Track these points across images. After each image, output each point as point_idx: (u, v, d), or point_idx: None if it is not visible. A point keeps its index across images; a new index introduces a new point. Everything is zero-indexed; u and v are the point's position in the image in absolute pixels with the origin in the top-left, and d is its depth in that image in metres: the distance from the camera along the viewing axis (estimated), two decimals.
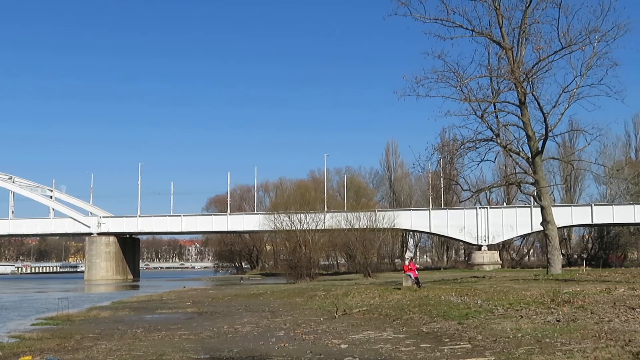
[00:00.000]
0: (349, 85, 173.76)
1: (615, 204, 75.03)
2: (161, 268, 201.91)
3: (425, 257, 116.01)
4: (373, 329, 16.30)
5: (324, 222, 60.97)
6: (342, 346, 13.71)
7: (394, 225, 65.25)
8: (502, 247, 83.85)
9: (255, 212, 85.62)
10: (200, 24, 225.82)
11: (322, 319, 19.57)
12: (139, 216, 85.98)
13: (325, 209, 71.02)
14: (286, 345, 14.22)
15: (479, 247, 74.82)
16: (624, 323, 14.62)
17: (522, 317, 16.59)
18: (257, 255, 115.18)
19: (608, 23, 38.08)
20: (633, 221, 73.69)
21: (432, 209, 77.70)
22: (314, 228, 57.86)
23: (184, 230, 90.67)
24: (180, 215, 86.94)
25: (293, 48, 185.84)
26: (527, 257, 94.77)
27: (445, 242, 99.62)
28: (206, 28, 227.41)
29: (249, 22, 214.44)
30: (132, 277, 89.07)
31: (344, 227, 60.54)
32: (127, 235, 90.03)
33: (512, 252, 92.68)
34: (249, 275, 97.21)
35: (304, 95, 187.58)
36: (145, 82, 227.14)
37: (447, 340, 13.85)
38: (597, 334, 13.01)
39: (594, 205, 74.81)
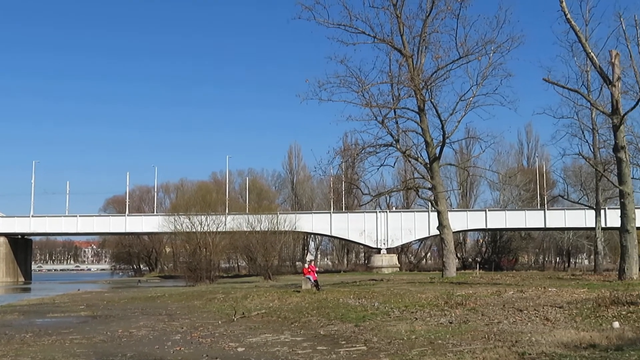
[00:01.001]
0: (253, 87, 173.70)
1: (507, 210, 77.97)
2: (55, 270, 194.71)
3: (326, 260, 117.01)
4: (271, 332, 16.28)
5: (225, 224, 60.53)
6: (239, 349, 13.63)
7: (295, 228, 65.45)
8: (401, 250, 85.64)
9: (155, 213, 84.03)
10: (97, 19, 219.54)
11: (220, 322, 19.38)
12: (32, 216, 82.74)
13: (227, 210, 70.51)
14: (182, 349, 14.01)
15: (379, 251, 76.07)
16: (512, 324, 15.21)
17: (416, 319, 16.97)
18: (156, 258, 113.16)
19: (503, 35, 39.62)
20: (524, 226, 76.75)
21: (333, 212, 78.47)
22: (214, 230, 57.35)
23: (79, 231, 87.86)
24: (76, 216, 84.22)
25: (193, 47, 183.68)
26: (424, 260, 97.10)
27: (346, 245, 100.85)
28: (104, 24, 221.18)
29: (146, 19, 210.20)
30: (23, 280, 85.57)
31: (245, 229, 60.29)
32: (19, 236, 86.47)
33: (410, 255, 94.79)
34: (147, 277, 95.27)
35: (206, 96, 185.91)
36: (39, 77, 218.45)
37: (343, 342, 13.99)
38: (486, 335, 13.45)
39: (488, 210, 77.50)
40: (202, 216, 57.67)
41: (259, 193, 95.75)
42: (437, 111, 40.76)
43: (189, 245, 59.56)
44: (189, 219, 57.58)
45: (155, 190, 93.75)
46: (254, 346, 14.02)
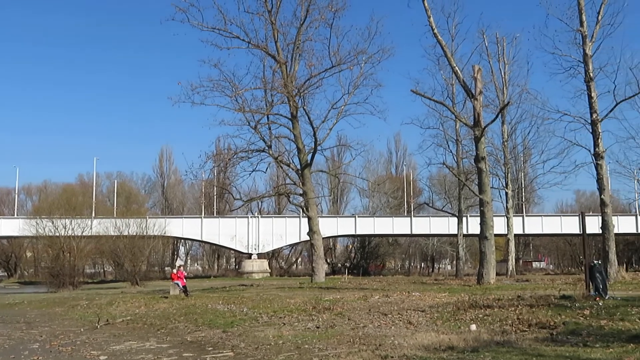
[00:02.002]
0: (123, 89, 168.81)
1: (376, 216, 79.87)
2: None
3: (196, 265, 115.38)
4: (136, 339, 15.91)
5: (91, 228, 58.46)
6: (101, 358, 13.24)
7: (165, 233, 64.16)
8: (272, 255, 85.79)
9: (16, 216, 79.91)
10: None
11: (82, 329, 18.74)
12: None
13: (93, 214, 68.08)
14: (40, 358, 13.43)
15: (250, 256, 75.89)
16: (377, 328, 15.62)
17: (284, 324, 17.10)
18: (15, 263, 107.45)
19: (374, 46, 40.83)
20: (392, 232, 78.83)
21: (204, 217, 77.56)
22: (79, 234, 55.25)
23: None
24: None
25: (59, 50, 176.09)
26: (295, 265, 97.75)
27: (217, 251, 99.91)
28: None
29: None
30: None
31: (113, 233, 58.50)
32: None
33: (281, 260, 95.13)
34: (5, 283, 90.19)
35: (73, 97, 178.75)
36: None
37: (210, 348, 13.89)
38: (352, 339, 13.75)
39: (358, 216, 79.09)
40: (67, 220, 55.39)
41: (128, 196, 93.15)
42: (309, 118, 41.28)
43: (51, 249, 57.00)
44: (52, 223, 55.17)
45: (17, 192, 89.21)
46: (117, 354, 13.65)
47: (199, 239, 79.69)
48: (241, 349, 13.40)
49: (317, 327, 16.06)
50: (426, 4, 34.80)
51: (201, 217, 77.19)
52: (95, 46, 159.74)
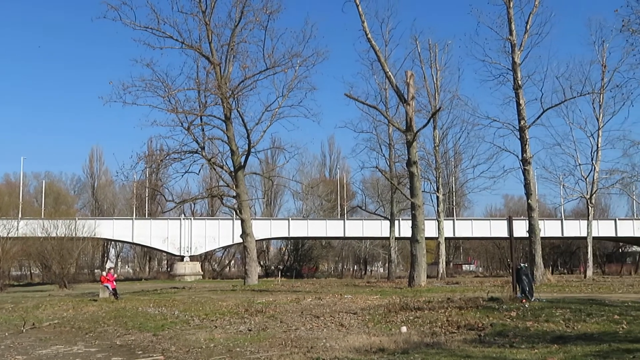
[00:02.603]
0: (52, 87, 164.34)
1: (310, 219, 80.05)
2: None
3: (127, 267, 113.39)
4: (63, 343, 15.53)
5: (17, 230, 56.80)
6: None
7: (95, 234, 62.77)
8: (205, 258, 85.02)
9: None
10: None
11: (7, 334, 18.18)
12: None
13: (20, 215, 66.19)
14: None
15: (182, 258, 75.02)
16: (308, 331, 15.67)
17: (216, 327, 16.98)
18: None
19: (309, 49, 41.05)
20: (325, 235, 79.17)
21: (135, 219, 76.26)
22: (5, 235, 53.61)
23: None
24: None
25: None
26: (228, 268, 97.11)
27: (148, 253, 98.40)
28: None
29: None
30: None
31: (40, 235, 56.96)
32: None
33: (214, 263, 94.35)
34: None
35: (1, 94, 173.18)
36: None
37: (140, 352, 13.68)
38: (284, 342, 13.76)
39: (291, 219, 79.08)
40: None
41: (57, 197, 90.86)
42: (243, 120, 41.19)
43: None
44: None
45: None
46: (43, 359, 13.31)
47: (130, 240, 78.30)
48: (172, 353, 13.24)
49: (249, 330, 16.00)
50: (360, 9, 35.16)
51: (132, 219, 75.88)
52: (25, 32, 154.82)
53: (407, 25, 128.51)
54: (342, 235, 77.41)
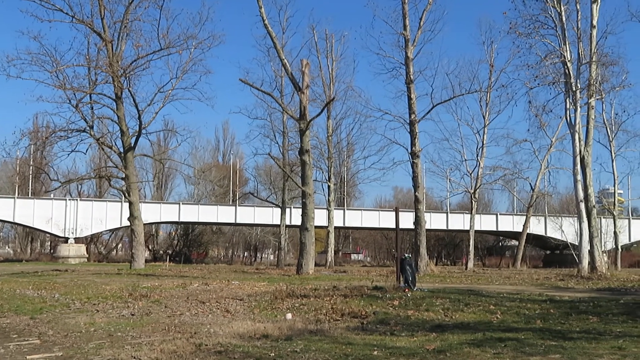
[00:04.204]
0: None
1: (201, 204, 79.27)
2: None
3: (7, 248, 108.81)
4: None
5: None
6: None
7: None
8: (90, 240, 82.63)
9: None
10: None
11: None
12: None
13: None
14: None
15: (66, 240, 72.64)
16: (193, 316, 15.52)
17: (98, 311, 16.54)
18: None
19: (205, 32, 40.58)
20: (216, 221, 78.64)
21: (17, 198, 73.11)
22: None
23: None
24: None
25: None
26: (114, 251, 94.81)
27: (31, 233, 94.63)
28: None
29: None
30: None
31: None
32: None
33: (100, 245, 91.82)
34: None
35: None
36: None
37: (15, 336, 13.14)
38: (167, 327, 13.56)
39: (182, 203, 78.03)
40: None
41: None
42: (134, 100, 40.24)
43: None
44: None
45: None
46: None
47: (11, 220, 75.04)
48: (49, 337, 12.79)
49: (132, 315, 15.69)
50: None
51: (14, 197, 72.69)
52: None
53: (305, 14, 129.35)
54: (233, 221, 77.14)
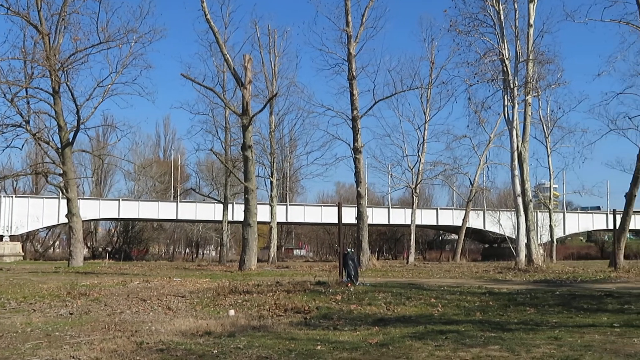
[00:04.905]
0: None
1: (141, 200, 78.08)
2: None
3: None
4: None
5: None
6: None
7: None
8: (27, 238, 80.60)
9: None
10: None
11: None
12: None
13: None
14: None
15: (1, 238, 70.65)
16: (134, 314, 15.30)
17: (35, 310, 16.15)
18: None
19: (145, 26, 40.01)
20: (157, 217, 77.60)
21: None
22: None
23: None
24: None
25: None
26: (52, 249, 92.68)
27: None
28: None
29: None
30: None
31: None
32: None
33: (37, 243, 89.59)
34: None
35: None
36: None
37: None
38: (107, 326, 13.33)
39: (122, 200, 76.75)
40: None
41: None
42: (72, 95, 39.46)
43: None
44: None
45: None
46: None
47: None
48: None
49: (71, 314, 15.37)
50: None
51: None
52: None
53: (247, 9, 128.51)
54: (174, 217, 76.23)
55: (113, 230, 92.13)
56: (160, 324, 13.50)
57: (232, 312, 15.34)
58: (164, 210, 75.50)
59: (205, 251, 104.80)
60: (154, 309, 16.13)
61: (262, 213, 47.84)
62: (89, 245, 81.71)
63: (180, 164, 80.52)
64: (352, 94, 38.26)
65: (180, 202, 75.90)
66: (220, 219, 55.98)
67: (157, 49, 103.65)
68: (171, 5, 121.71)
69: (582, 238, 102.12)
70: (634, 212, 38.48)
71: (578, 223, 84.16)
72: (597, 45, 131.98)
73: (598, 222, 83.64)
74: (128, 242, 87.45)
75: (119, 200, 76.39)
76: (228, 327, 12.83)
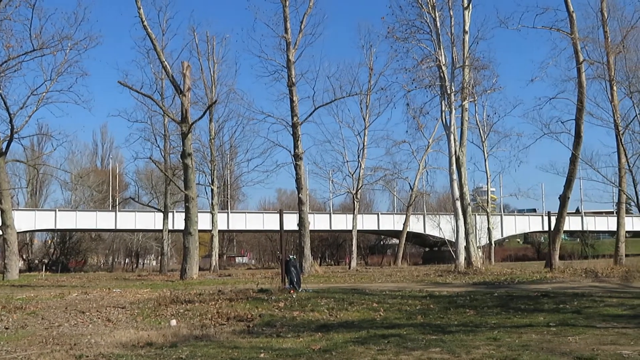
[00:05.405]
0: None
1: (79, 210, 76.51)
2: None
3: None
4: None
5: None
6: None
7: None
8: None
9: None
10: None
11: None
12: None
13: None
14: None
15: None
16: (73, 327, 14.98)
17: None
18: None
19: (81, 32, 39.30)
20: (95, 227, 76.18)
21: None
22: None
23: None
24: None
25: None
26: None
27: None
28: None
29: None
30: None
31: None
32: None
33: None
34: None
35: None
36: None
37: None
38: (45, 340, 13.03)
39: (59, 210, 75.05)
40: None
41: None
42: (5, 103, 38.49)
43: None
44: None
45: None
46: None
47: None
48: None
49: (6, 329, 14.95)
50: None
51: None
52: None
53: (185, 16, 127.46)
54: (113, 227, 74.91)
55: (50, 242, 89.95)
56: (100, 336, 13.28)
57: (173, 322, 15.18)
58: (102, 220, 74.15)
59: (145, 261, 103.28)
60: (93, 321, 15.84)
61: (203, 221, 47.46)
62: (24, 257, 79.61)
63: (119, 173, 79.25)
64: (292, 101, 38.30)
65: (119, 211, 74.66)
66: (161, 227, 55.26)
67: (93, 56, 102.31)
68: (107, 12, 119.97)
69: (519, 240, 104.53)
70: (568, 213, 39.60)
71: (515, 225, 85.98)
72: (530, 52, 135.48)
73: (534, 224, 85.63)
74: (65, 253, 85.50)
75: (55, 210, 74.65)
76: (170, 338, 12.70)
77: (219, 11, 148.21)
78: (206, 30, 54.20)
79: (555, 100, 37.72)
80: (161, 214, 55.09)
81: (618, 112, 33.13)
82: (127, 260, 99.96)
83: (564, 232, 45.56)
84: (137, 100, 47.12)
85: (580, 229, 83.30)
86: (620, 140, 32.81)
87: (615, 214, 43.64)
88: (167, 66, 35.84)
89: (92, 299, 20.83)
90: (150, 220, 71.34)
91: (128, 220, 74.85)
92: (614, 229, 41.05)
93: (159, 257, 68.29)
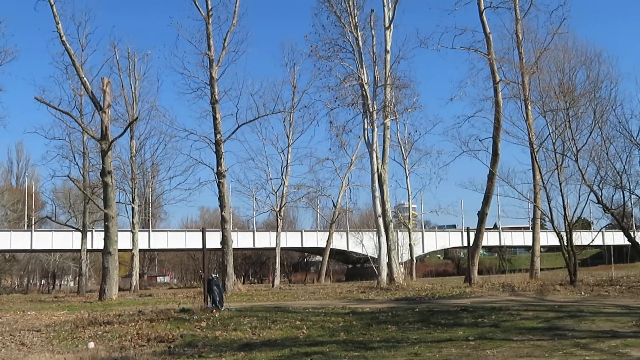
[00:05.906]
0: None
1: None
2: None
3: None
4: None
5: None
6: None
7: None
8: None
9: None
10: None
11: None
12: None
13: None
14: None
15: None
16: None
17: None
18: None
19: None
20: (9, 248, 73.51)
21: None
22: None
23: None
24: None
25: None
26: None
27: None
28: None
29: None
30: None
31: None
32: None
33: None
34: None
35: None
36: None
37: None
38: None
39: None
40: None
41: None
42: None
43: None
44: None
45: None
46: None
47: None
48: None
49: None
50: (55, 10, 33.62)
51: None
52: None
53: (105, 31, 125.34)
54: (29, 247, 72.43)
55: None
56: None
57: (91, 344, 14.78)
58: (17, 240, 71.59)
59: (62, 282, 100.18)
60: (6, 346, 15.27)
61: (124, 240, 46.46)
62: None
63: (35, 192, 76.78)
64: (215, 118, 38.06)
65: (35, 231, 72.27)
66: (79, 247, 53.71)
67: (8, 72, 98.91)
68: (24, 27, 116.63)
69: (439, 255, 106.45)
70: (486, 229, 40.55)
71: (436, 241, 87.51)
72: (449, 71, 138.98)
73: (454, 239, 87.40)
74: None
75: None
76: None
77: (140, 27, 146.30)
78: (127, 46, 53.09)
79: (474, 118, 38.70)
80: (79, 234, 53.62)
81: (533, 130, 34.16)
82: (43, 281, 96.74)
83: (483, 247, 46.65)
84: (54, 117, 45.75)
85: (498, 244, 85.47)
86: (535, 157, 33.83)
87: (530, 230, 44.89)
88: (87, 82, 35.11)
89: (5, 322, 20.09)
90: (68, 240, 69.31)
91: (44, 240, 72.52)
92: (530, 243, 42.18)
93: (77, 278, 66.38)
